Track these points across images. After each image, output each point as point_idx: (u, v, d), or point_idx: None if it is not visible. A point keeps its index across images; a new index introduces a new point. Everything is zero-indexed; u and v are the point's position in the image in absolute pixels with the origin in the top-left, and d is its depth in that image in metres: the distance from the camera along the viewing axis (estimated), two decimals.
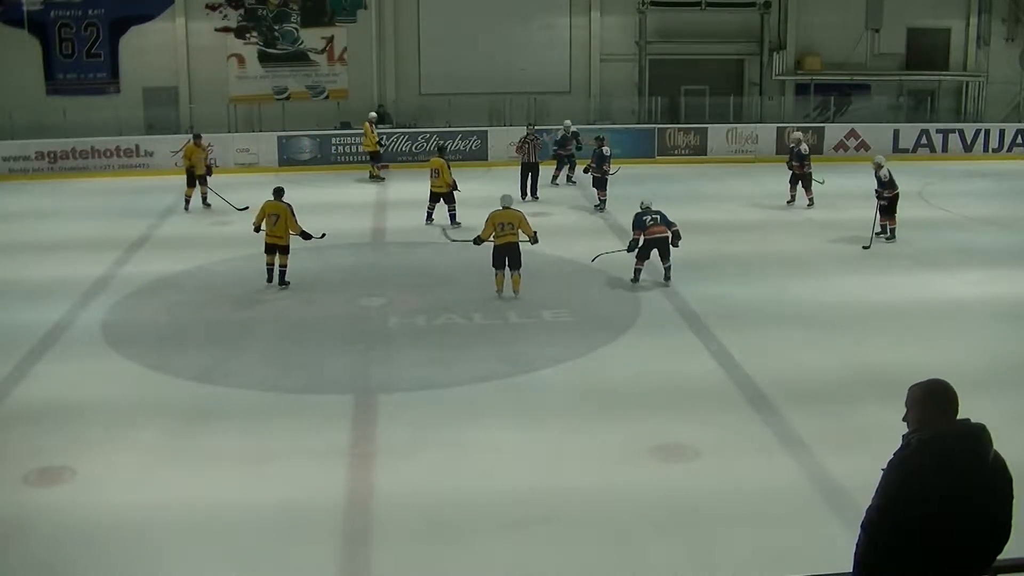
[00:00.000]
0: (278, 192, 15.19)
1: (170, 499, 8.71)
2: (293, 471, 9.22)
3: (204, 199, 20.97)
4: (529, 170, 21.63)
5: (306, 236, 15.02)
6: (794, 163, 20.88)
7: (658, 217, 14.96)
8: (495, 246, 14.53)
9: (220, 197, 20.55)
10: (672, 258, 15.05)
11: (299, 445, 9.79)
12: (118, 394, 11.19)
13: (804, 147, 21.14)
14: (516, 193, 19.49)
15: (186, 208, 20.82)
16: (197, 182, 20.91)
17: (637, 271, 15.10)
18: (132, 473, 9.26)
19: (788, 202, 21.01)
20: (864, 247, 17.08)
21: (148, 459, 9.54)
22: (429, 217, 19.12)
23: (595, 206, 20.46)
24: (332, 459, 9.46)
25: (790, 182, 20.99)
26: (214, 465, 9.38)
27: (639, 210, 15.13)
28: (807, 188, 20.73)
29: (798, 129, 24.32)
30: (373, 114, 25.09)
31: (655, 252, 14.99)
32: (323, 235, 15.39)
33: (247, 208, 20.31)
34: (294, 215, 14.93)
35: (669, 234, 14.92)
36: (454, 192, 18.99)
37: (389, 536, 8.18)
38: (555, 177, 23.08)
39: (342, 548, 8.08)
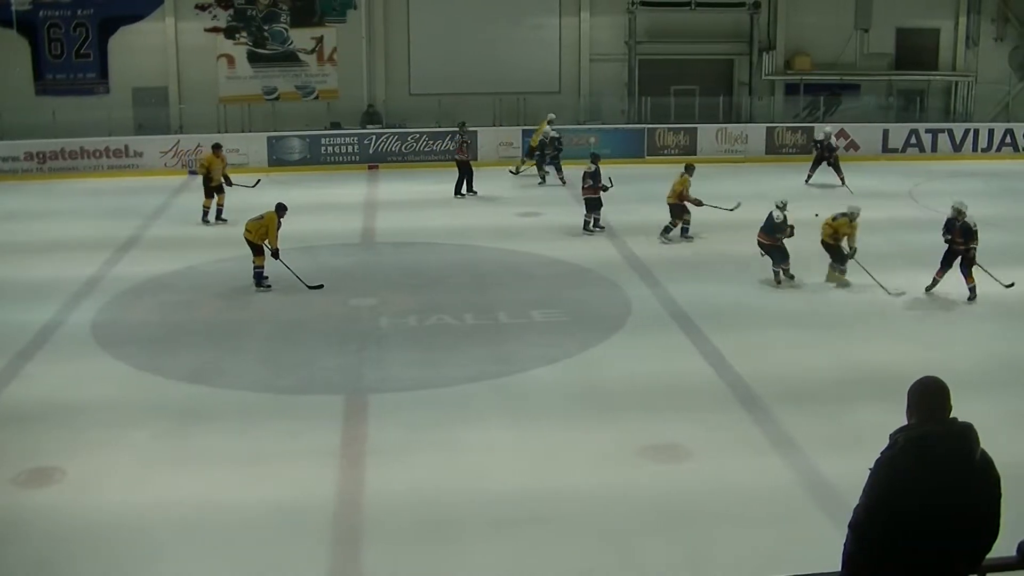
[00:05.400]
0: (280, 207, 15.07)
1: (162, 499, 8.70)
2: (285, 471, 9.22)
3: (220, 213, 19.66)
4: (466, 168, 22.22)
5: (275, 253, 14.93)
6: (826, 154, 23.11)
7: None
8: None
9: (233, 182, 19.95)
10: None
11: (291, 445, 9.79)
12: (109, 395, 11.17)
13: (834, 139, 23.75)
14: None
15: (204, 219, 19.66)
16: (215, 192, 19.69)
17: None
18: (124, 474, 9.25)
19: (806, 181, 23.08)
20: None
21: (140, 460, 9.53)
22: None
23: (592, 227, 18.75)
24: (324, 459, 9.46)
25: (813, 162, 23.36)
26: (206, 465, 9.38)
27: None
28: (837, 170, 22.71)
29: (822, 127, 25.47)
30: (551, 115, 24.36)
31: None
32: (320, 286, 15.00)
33: (259, 181, 20.14)
34: (276, 231, 14.86)
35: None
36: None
37: (381, 536, 8.19)
38: (542, 177, 23.23)
39: (334, 548, 8.09)
